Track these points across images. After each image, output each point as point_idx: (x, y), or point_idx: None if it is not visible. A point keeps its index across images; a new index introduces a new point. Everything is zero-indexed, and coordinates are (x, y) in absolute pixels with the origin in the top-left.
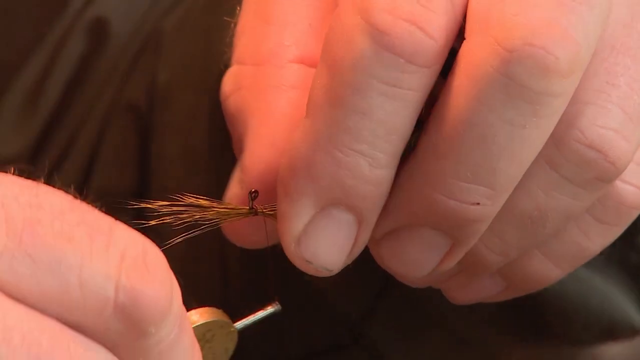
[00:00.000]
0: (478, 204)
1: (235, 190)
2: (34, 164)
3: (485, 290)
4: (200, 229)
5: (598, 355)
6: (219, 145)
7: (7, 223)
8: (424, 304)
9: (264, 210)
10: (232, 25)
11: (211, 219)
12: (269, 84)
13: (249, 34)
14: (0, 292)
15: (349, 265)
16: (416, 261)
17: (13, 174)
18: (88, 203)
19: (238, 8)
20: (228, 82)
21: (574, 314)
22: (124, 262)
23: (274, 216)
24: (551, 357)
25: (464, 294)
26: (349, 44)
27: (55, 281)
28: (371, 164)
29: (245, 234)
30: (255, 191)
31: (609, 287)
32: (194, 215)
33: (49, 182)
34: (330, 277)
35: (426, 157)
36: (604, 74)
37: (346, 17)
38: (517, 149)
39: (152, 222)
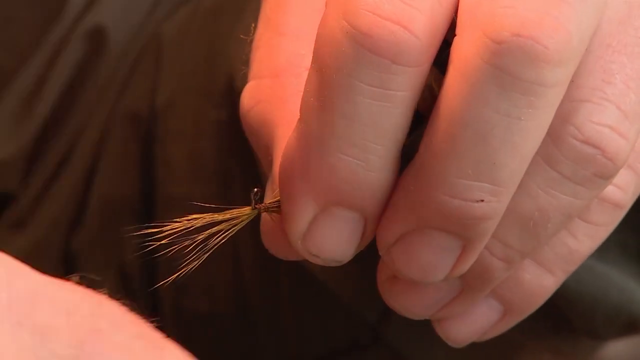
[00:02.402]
0: (482, 200)
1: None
2: (31, 168)
3: (482, 318)
4: (215, 241)
5: (602, 353)
6: (225, 150)
7: (70, 331)
8: None
9: (269, 208)
10: (248, 42)
11: (221, 230)
12: (289, 93)
13: (264, 47)
14: None
15: (363, 267)
16: (429, 265)
17: (75, 282)
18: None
19: (253, 25)
20: (246, 98)
21: (593, 310)
22: None
23: (279, 212)
24: (568, 349)
25: (461, 326)
26: (334, 47)
27: None
28: (365, 167)
29: (282, 246)
30: (258, 190)
31: (627, 281)
32: (204, 231)
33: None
34: (345, 279)
35: (427, 158)
36: (599, 72)
37: (331, 21)
38: (516, 141)
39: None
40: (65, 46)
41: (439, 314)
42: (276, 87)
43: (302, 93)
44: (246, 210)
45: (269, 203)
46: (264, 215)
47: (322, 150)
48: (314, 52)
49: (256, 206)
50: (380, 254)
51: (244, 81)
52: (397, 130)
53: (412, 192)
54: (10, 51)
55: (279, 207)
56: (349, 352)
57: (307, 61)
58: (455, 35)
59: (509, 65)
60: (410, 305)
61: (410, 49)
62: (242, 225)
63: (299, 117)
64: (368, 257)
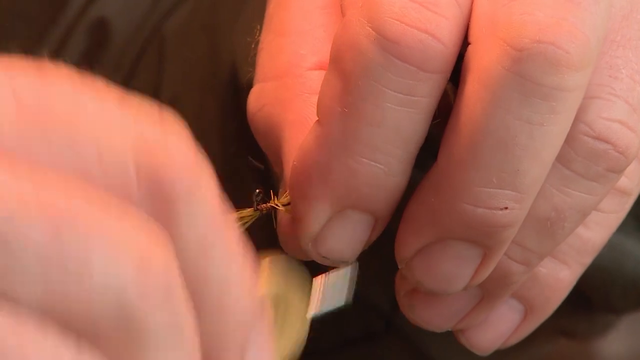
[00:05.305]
0: (506, 208)
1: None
2: None
3: (505, 321)
4: None
5: (599, 352)
6: (230, 146)
7: (16, 99)
8: None
9: (274, 209)
10: (253, 45)
11: None
12: (293, 94)
13: (266, 50)
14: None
15: (373, 257)
16: (450, 275)
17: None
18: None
19: (258, 27)
20: (252, 102)
21: (610, 282)
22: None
23: (284, 212)
24: (583, 330)
25: (484, 333)
26: (360, 54)
27: (71, 153)
28: (386, 172)
29: (294, 246)
30: (260, 191)
31: None
32: None
33: None
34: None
35: (449, 168)
36: (605, 68)
37: (354, 27)
38: (538, 148)
39: None
40: (69, 39)
41: (461, 324)
42: (279, 89)
43: (305, 94)
44: (248, 211)
45: (272, 204)
46: (281, 214)
47: (344, 154)
48: (333, 57)
49: (258, 207)
50: (399, 267)
51: (250, 83)
52: (419, 135)
53: (432, 203)
54: (12, 45)
55: (284, 207)
56: (362, 340)
57: (309, 60)
58: (469, 43)
59: (530, 72)
60: (431, 318)
61: (437, 56)
62: (244, 227)
63: (316, 120)
64: (377, 247)
